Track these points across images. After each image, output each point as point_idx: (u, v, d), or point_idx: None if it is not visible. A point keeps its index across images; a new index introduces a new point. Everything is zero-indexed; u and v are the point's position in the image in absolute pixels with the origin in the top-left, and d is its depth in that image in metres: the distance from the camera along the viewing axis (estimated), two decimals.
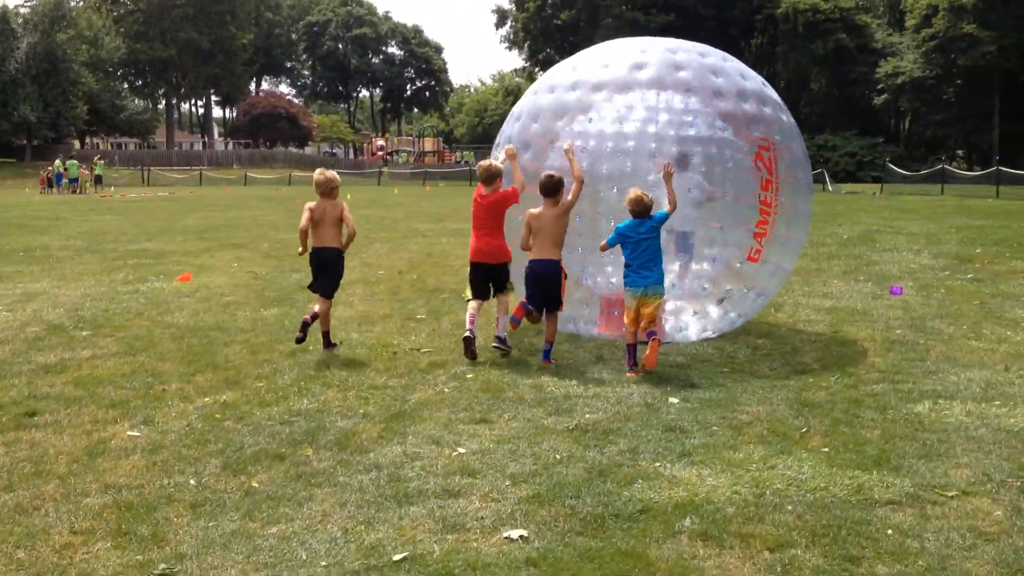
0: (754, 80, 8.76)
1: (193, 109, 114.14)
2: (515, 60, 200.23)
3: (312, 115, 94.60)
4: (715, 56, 8.79)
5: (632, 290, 7.51)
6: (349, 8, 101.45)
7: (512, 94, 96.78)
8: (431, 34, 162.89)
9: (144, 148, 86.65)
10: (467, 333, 7.86)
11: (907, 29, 64.92)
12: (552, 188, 7.79)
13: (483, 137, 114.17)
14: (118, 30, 75.15)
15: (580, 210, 8.19)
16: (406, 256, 15.70)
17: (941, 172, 43.47)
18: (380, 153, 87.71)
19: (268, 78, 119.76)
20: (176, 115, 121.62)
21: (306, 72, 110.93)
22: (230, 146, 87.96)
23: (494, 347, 8.01)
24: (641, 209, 7.42)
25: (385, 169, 70.68)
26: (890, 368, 7.52)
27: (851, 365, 7.63)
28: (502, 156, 8.46)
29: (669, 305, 8.45)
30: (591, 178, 8.16)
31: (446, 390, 6.88)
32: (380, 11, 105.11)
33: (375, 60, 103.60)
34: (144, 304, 10.76)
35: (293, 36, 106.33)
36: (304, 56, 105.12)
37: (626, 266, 7.59)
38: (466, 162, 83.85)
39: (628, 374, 7.32)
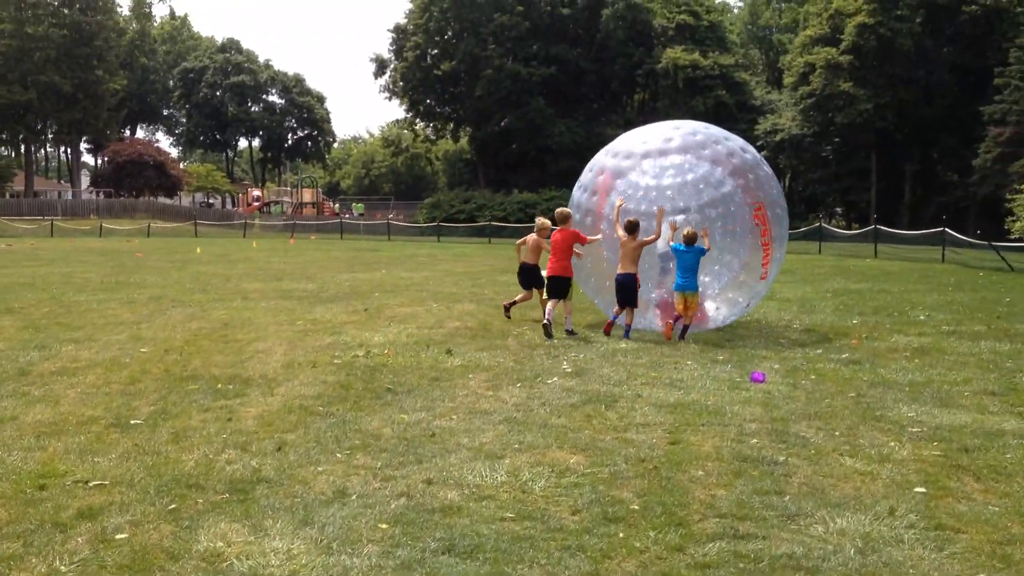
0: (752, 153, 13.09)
1: (63, 156, 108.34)
2: (397, 111, 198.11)
3: (179, 163, 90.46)
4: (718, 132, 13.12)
5: (679, 291, 11.91)
6: (227, 55, 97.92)
7: (393, 145, 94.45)
8: (313, 83, 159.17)
9: None
10: (545, 321, 11.94)
11: (785, 87, 65.36)
12: (633, 227, 11.92)
13: (370, 189, 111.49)
14: None
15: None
16: (196, 327, 13.07)
17: (819, 230, 42.83)
18: (256, 204, 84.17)
19: (144, 125, 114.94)
20: (44, 162, 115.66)
21: (183, 120, 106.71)
22: (93, 195, 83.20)
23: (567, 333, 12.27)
24: (688, 240, 11.71)
25: (257, 221, 67.32)
26: (734, 511, 5.35)
27: (682, 507, 5.42)
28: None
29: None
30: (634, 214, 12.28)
31: None
32: (261, 59, 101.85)
33: (254, 108, 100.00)
34: None
35: (169, 82, 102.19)
36: (180, 103, 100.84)
37: (677, 275, 11.90)
38: (360, 214, 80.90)
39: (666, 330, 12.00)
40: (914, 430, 7.25)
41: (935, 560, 4.68)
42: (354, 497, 5.55)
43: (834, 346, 11.53)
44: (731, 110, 64.43)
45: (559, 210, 12.77)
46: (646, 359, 10.45)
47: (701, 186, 12.27)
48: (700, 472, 6.12)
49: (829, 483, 5.92)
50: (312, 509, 5.33)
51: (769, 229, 12.40)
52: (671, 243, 12.05)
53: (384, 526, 5.06)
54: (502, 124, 71.60)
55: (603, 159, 13.45)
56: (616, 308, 12.21)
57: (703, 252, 11.73)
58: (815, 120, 60.17)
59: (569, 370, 9.72)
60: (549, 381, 9.11)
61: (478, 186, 73.81)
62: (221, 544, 4.78)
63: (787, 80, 64.10)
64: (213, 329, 12.80)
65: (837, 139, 61.59)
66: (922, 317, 14.56)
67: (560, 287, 12.48)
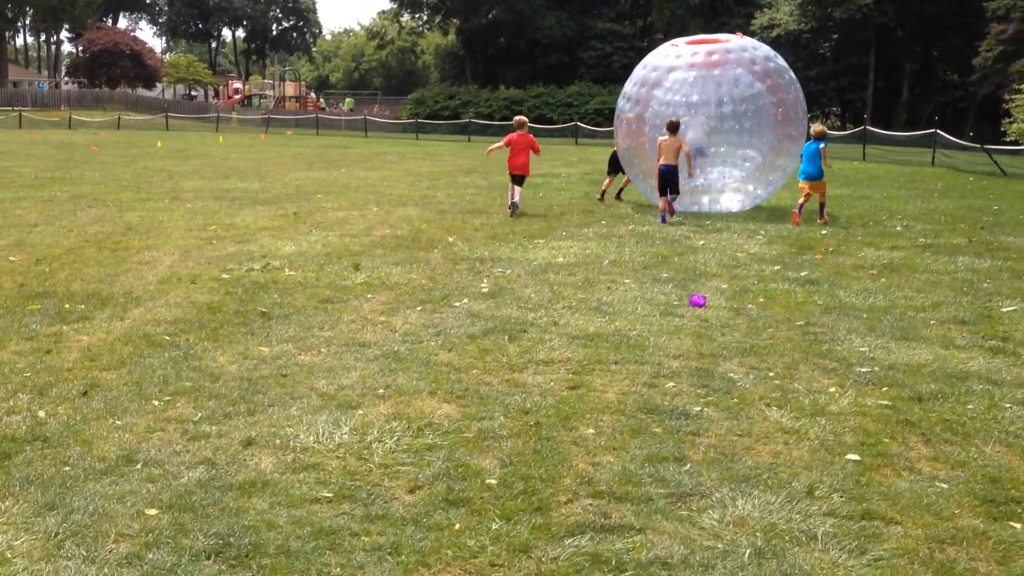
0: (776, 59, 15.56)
1: (44, 46, 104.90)
2: (383, 1, 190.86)
3: (157, 54, 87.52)
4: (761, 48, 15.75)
5: (803, 178, 13.82)
6: None
7: (378, 37, 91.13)
8: None
9: None
10: (512, 202, 14.23)
11: None
12: (675, 126, 13.77)
13: (360, 83, 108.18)
14: None
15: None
16: (95, 231, 11.82)
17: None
18: (236, 97, 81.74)
19: (126, 14, 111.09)
20: (25, 52, 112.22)
21: (166, 8, 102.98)
22: (67, 86, 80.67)
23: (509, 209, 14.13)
24: (815, 135, 13.96)
25: (234, 115, 65.22)
26: (614, 488, 4.24)
27: (550, 482, 4.29)
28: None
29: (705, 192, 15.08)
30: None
31: None
32: None
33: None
34: None
35: None
36: None
37: (803, 163, 13.95)
38: (350, 109, 78.61)
39: (795, 222, 13.44)
40: (862, 370, 6.12)
41: (850, 569, 3.57)
42: (139, 466, 4.41)
43: (795, 262, 10.32)
44: (727, 3, 61.82)
45: (518, 118, 15.23)
46: (580, 276, 9.26)
47: (731, 86, 14.59)
48: (591, 430, 4.99)
49: (743, 446, 4.80)
50: (73, 484, 4.18)
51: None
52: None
53: (152, 512, 3.93)
54: (490, 16, 68.90)
55: (642, 72, 15.67)
56: (660, 200, 13.88)
57: (819, 147, 13.77)
58: (813, 15, 57.71)
59: (486, 290, 8.53)
60: (457, 304, 7.93)
61: (466, 82, 71.40)
62: None
63: None
64: (110, 234, 11.55)
65: (836, 35, 59.20)
66: (899, 228, 13.32)
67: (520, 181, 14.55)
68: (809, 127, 14.86)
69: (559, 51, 66.93)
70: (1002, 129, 36.34)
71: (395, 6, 76.10)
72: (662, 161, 13.69)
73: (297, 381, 5.76)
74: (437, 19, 77.76)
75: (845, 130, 51.78)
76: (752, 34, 57.15)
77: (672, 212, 13.80)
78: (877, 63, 58.32)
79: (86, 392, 5.44)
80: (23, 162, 24.79)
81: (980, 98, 51.64)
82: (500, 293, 8.39)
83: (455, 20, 73.62)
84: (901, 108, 58.12)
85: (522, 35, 67.71)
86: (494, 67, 71.66)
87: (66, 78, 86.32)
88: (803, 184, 13.80)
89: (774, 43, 57.90)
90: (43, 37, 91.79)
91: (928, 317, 7.64)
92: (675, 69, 14.98)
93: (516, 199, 14.23)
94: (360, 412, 5.22)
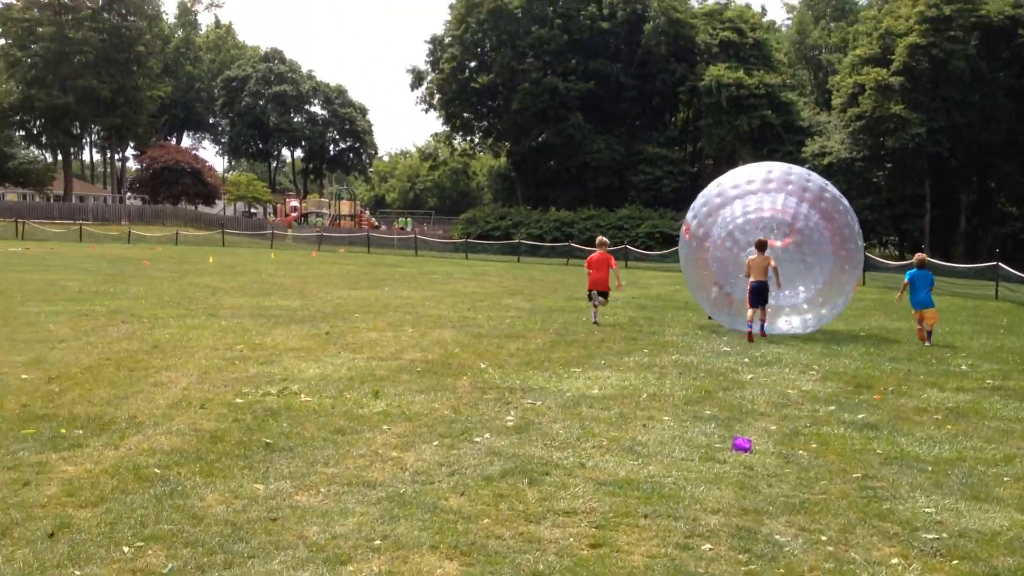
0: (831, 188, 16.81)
1: (108, 162, 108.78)
2: (437, 124, 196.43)
3: (217, 172, 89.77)
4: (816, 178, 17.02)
5: (916, 307, 15.27)
6: (270, 65, 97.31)
7: (431, 158, 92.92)
8: (356, 95, 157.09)
9: (29, 199, 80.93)
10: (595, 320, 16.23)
11: (834, 108, 62.62)
12: (763, 245, 14.97)
13: (415, 203, 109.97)
14: (11, 74, 70.13)
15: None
16: (119, 348, 11.46)
17: (864, 259, 40.28)
18: (294, 215, 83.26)
19: (190, 133, 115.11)
20: (91, 168, 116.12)
21: (228, 128, 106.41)
22: (129, 200, 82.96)
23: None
24: (920, 263, 15.52)
25: (289, 232, 66.23)
26: None
27: None
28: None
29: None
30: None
31: None
32: (304, 69, 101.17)
33: (297, 119, 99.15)
34: None
35: (214, 91, 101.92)
36: (223, 112, 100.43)
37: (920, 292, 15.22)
38: (402, 228, 79.66)
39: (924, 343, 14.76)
40: (928, 536, 5.35)
41: None
42: None
43: (851, 402, 9.55)
44: (777, 131, 62.01)
45: (601, 239, 17.46)
46: (615, 411, 8.60)
47: (787, 218, 15.85)
48: None
49: None
50: None
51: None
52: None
53: None
54: (540, 139, 69.77)
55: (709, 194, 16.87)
56: (749, 312, 14.85)
57: (930, 277, 15.43)
58: (865, 143, 57.51)
59: (511, 423, 7.91)
60: (477, 439, 7.31)
61: (517, 202, 72.04)
62: None
63: (835, 101, 61.40)
64: (134, 352, 11.18)
65: (889, 164, 58.77)
66: (964, 367, 12.47)
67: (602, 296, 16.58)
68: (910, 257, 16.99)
69: (609, 174, 67.34)
70: None
71: (447, 129, 77.64)
72: (753, 278, 14.83)
73: (287, 527, 5.16)
74: (488, 142, 79.11)
75: (905, 260, 50.92)
76: (803, 161, 57.23)
77: (764, 321, 15.19)
78: (932, 192, 57.67)
79: (52, 534, 4.89)
80: (72, 276, 24.96)
81: None
82: (526, 427, 7.77)
83: (505, 143, 74.81)
84: (959, 239, 57.14)
85: (572, 158, 68.39)
86: (545, 189, 72.28)
87: (129, 193, 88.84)
88: (919, 312, 15.28)
89: (826, 171, 57.81)
90: (108, 154, 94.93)
91: (1001, 473, 6.84)
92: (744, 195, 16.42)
93: (597, 314, 16.42)
94: (349, 569, 4.59)
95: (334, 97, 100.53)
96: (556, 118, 66.32)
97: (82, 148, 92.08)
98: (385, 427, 7.62)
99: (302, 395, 8.83)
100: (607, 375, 10.71)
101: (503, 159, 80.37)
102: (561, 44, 65.96)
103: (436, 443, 7.14)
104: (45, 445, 6.64)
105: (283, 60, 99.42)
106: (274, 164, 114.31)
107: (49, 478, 5.87)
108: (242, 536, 4.99)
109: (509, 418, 8.12)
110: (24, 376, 9.33)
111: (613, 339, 14.29)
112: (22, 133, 79.08)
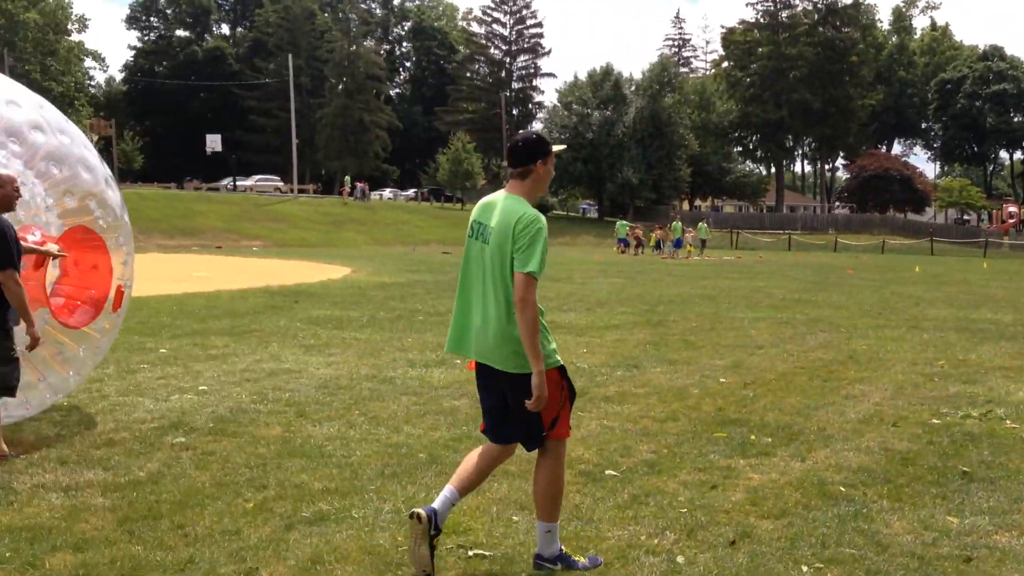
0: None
1: (818, 172, 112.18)
2: None
3: (927, 178, 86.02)
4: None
5: None
6: (988, 63, 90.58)
7: None
8: None
9: (743, 211, 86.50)
10: None
11: None
12: None
13: None
14: (732, 94, 75.88)
15: None
16: (814, 357, 11.49)
17: None
18: (1011, 221, 76.59)
19: (900, 140, 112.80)
20: (801, 179, 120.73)
21: (940, 133, 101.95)
22: (836, 210, 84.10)
23: None
24: None
25: (1005, 240, 61.01)
26: None
27: None
28: None
29: None
30: None
31: None
32: None
33: (1017, 118, 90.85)
34: None
35: (927, 95, 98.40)
36: (935, 116, 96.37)
37: None
38: None
39: None
40: None
41: None
42: None
43: None
44: None
45: None
46: None
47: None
48: None
49: None
50: None
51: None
52: None
53: None
54: None
55: None
56: None
57: None
58: None
59: None
60: None
61: None
62: None
63: None
64: (828, 362, 11.11)
65: None
66: None
67: None
68: None
69: None
70: None
71: None
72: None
73: (981, 569, 4.55)
74: None
75: None
76: None
77: None
78: None
79: (734, 541, 4.94)
80: (778, 283, 25.98)
81: None
82: None
83: None
84: None
85: None
86: None
87: (837, 202, 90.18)
88: None
89: None
90: (818, 164, 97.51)
91: None
92: None
93: None
94: None
95: None
96: None
97: (793, 160, 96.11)
98: None
99: (1007, 420, 7.88)
100: None
101: None
102: None
103: None
104: (735, 450, 6.83)
105: (1003, 57, 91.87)
106: (990, 168, 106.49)
107: (735, 484, 6.00)
108: (929, 572, 4.52)
109: None
110: (722, 380, 9.82)
111: None
112: (739, 148, 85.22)
